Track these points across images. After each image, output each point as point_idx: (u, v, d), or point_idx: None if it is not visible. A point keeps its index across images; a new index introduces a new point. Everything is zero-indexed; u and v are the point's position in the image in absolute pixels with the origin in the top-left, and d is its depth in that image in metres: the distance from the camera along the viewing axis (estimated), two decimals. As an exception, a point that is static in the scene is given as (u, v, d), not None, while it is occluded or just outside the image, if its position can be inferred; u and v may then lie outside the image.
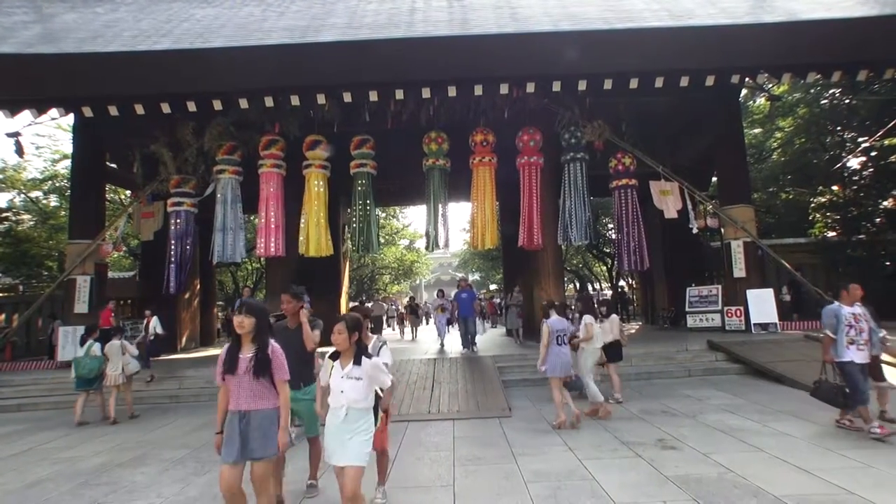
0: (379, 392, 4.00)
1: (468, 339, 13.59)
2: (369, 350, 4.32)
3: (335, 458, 3.82)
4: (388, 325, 25.20)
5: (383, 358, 4.39)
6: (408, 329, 20.75)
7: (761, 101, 21.36)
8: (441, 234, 13.53)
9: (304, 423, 5.13)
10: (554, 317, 7.44)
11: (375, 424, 3.99)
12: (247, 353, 3.80)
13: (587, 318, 8.01)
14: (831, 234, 18.20)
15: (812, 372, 9.38)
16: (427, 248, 14.19)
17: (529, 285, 14.83)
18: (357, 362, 3.83)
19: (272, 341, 3.89)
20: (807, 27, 10.78)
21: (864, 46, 10.85)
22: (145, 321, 12.35)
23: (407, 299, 22.86)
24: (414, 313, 20.78)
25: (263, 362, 3.76)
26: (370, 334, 4.67)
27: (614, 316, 8.95)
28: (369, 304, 23.06)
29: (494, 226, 13.19)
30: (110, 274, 17.22)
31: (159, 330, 12.28)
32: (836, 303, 6.60)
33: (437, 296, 16.62)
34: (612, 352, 8.84)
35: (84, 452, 7.11)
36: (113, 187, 22.00)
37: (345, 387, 3.79)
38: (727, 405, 8.03)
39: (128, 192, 21.73)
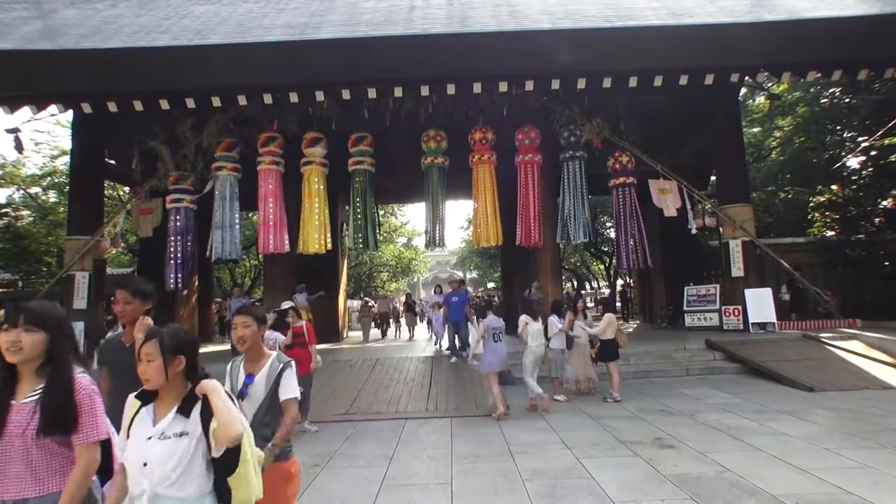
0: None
1: (455, 346, 12.14)
2: (263, 371, 2.95)
3: None
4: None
5: (287, 387, 2.94)
6: (405, 328, 20.67)
7: (761, 99, 21.36)
8: (440, 232, 13.50)
9: None
10: (491, 316, 8.15)
11: None
12: (24, 396, 2.19)
13: (522, 318, 8.46)
14: (830, 233, 18.18)
15: (810, 371, 9.44)
16: (426, 246, 14.17)
17: (527, 283, 14.81)
18: (183, 410, 2.13)
19: (80, 373, 2.26)
20: (807, 26, 10.75)
21: (865, 45, 10.82)
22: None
23: (403, 297, 22.65)
24: (411, 311, 20.75)
25: (56, 411, 2.13)
26: (270, 349, 3.09)
27: (609, 315, 8.97)
28: (373, 302, 23.14)
29: (498, 223, 13.16)
30: (109, 270, 17.18)
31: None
32: None
33: (435, 292, 15.30)
34: (608, 350, 8.87)
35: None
36: (112, 183, 21.93)
37: (151, 454, 2.06)
38: (725, 404, 8.02)
39: (126, 189, 21.66)
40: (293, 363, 3.10)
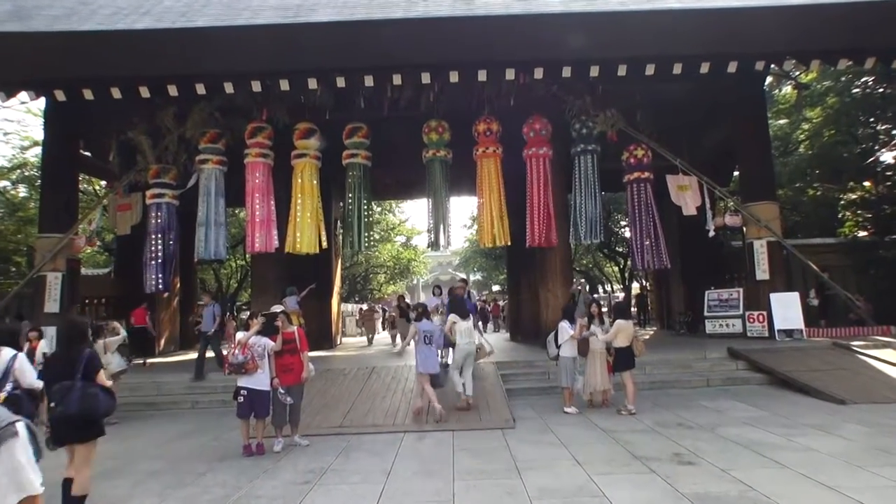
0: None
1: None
2: None
3: None
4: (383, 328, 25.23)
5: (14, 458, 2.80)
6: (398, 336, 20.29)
7: (788, 89, 21.32)
8: (443, 231, 13.49)
9: None
10: (423, 320, 8.95)
11: None
12: None
13: (450, 317, 9.19)
14: (862, 233, 18.18)
15: (841, 382, 9.43)
16: (429, 246, 14.11)
17: (534, 286, 14.82)
18: None
19: None
20: (838, 9, 10.74)
21: (900, 31, 10.82)
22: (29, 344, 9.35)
23: (396, 299, 22.01)
24: (404, 316, 20.46)
25: None
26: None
27: (619, 321, 8.94)
28: (379, 307, 23.35)
29: (504, 221, 13.15)
30: (83, 271, 17.20)
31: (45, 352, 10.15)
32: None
33: (434, 294, 13.43)
34: (623, 359, 8.83)
35: (51, 463, 7.08)
36: (87, 177, 21.96)
37: None
38: (748, 417, 8.02)
39: (103, 183, 21.70)
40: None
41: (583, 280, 12.72)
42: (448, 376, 9.03)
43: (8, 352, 4.25)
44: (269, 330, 7.26)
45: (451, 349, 9.91)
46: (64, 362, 4.72)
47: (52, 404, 4.54)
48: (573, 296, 12.78)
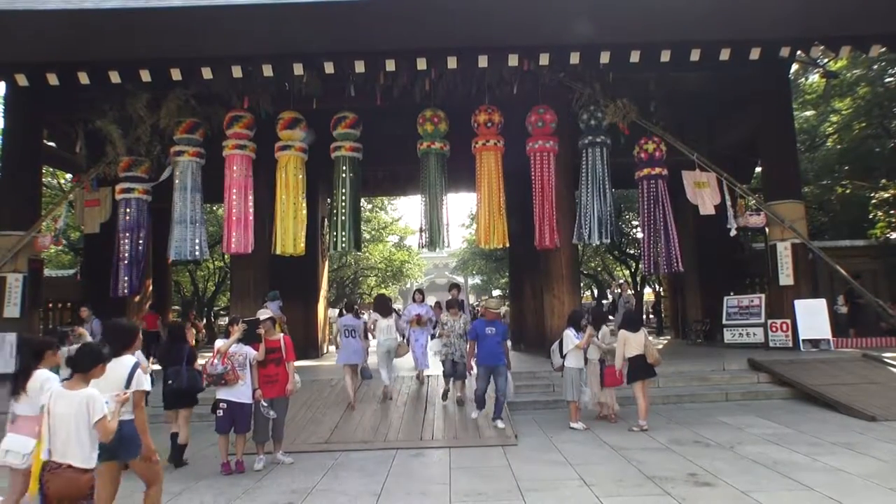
0: None
1: (483, 399, 9.12)
2: None
3: None
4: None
5: None
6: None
7: (815, 78, 21.39)
8: (439, 230, 13.47)
9: None
10: (346, 315, 10.76)
11: None
12: None
13: (372, 314, 10.91)
14: (895, 235, 18.23)
15: (871, 397, 9.45)
16: (424, 246, 14.04)
17: (539, 290, 14.81)
18: None
19: None
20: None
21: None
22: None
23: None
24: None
25: None
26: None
27: (623, 332, 8.96)
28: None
29: (504, 221, 13.16)
30: (47, 272, 17.13)
31: None
32: None
33: (414, 300, 12.23)
34: (633, 369, 8.82)
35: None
36: (51, 169, 21.89)
37: None
38: (771, 435, 8.03)
39: (69, 176, 21.62)
40: None
41: (622, 282, 12.61)
42: (388, 372, 10.56)
43: (129, 359, 4.63)
44: (250, 338, 7.23)
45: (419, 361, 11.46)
46: (173, 353, 7.51)
47: (169, 381, 7.30)
48: (613, 300, 12.76)
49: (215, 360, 6.88)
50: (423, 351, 11.51)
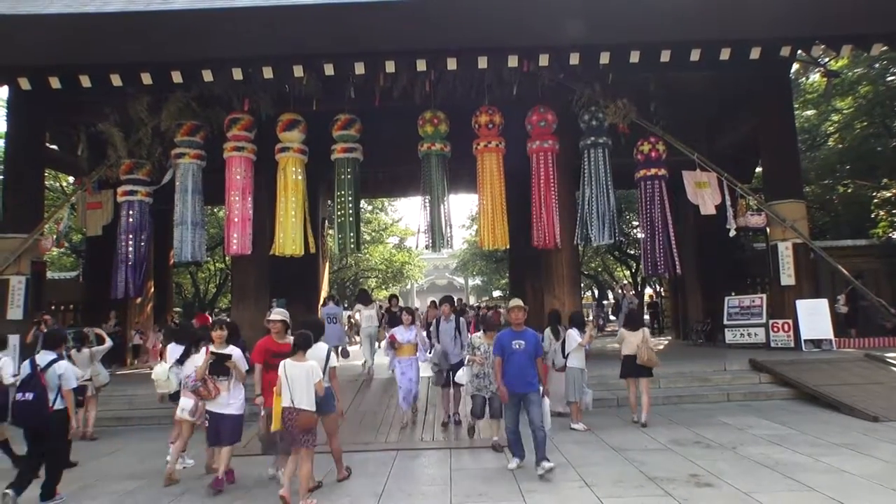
0: None
1: (518, 440, 7.06)
2: None
3: None
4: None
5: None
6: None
7: (816, 77, 21.33)
8: (441, 231, 13.46)
9: None
10: (329, 304, 14.13)
11: None
12: None
13: (356, 306, 12.92)
14: (897, 234, 18.17)
15: (874, 398, 9.41)
16: (426, 247, 14.04)
17: (539, 291, 14.79)
18: None
19: None
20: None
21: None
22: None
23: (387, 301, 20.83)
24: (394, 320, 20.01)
25: None
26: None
27: (623, 331, 9.09)
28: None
29: (505, 221, 13.15)
30: (50, 274, 17.16)
31: None
32: None
33: (393, 316, 11.26)
34: (629, 367, 8.96)
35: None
36: (54, 173, 21.92)
37: None
38: (773, 435, 8.01)
39: (71, 179, 21.67)
40: None
41: (625, 283, 12.66)
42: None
43: (323, 345, 6.45)
44: (217, 370, 6.64)
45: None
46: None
47: None
48: (617, 301, 12.82)
49: (192, 375, 6.69)
50: (410, 387, 9.15)
